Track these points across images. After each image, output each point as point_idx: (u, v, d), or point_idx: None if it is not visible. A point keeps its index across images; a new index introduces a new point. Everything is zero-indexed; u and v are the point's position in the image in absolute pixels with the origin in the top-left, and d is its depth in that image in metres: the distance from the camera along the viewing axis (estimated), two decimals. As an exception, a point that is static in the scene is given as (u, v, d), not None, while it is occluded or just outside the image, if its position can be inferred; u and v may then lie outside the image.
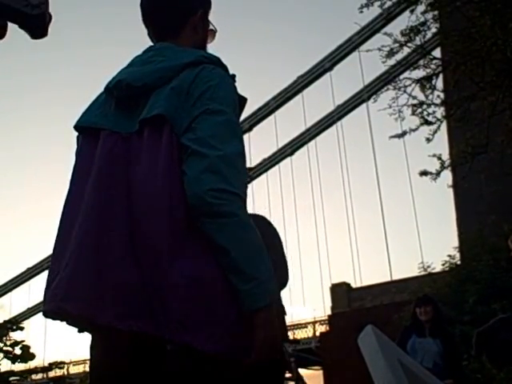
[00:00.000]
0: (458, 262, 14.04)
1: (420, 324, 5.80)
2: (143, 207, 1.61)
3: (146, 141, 1.69)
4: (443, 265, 14.23)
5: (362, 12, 11.41)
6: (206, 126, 1.65)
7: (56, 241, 1.72)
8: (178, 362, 1.51)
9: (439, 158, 11.59)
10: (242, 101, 1.81)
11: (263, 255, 1.59)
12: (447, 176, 13.20)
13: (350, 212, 25.18)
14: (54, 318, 1.67)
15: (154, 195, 1.60)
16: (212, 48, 2.01)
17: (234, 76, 1.81)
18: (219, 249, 1.55)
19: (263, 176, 23.77)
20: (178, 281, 1.51)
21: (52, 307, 1.61)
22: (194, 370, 1.51)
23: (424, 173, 11.77)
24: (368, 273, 36.81)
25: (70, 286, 1.57)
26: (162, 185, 1.61)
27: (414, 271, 20.00)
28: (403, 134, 12.11)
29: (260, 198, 25.08)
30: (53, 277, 1.65)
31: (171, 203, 1.59)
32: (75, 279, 1.57)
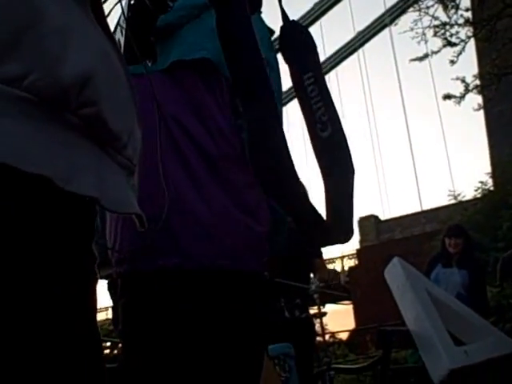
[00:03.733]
0: (491, 188, 13.64)
1: (448, 254, 5.52)
2: None
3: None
4: (475, 191, 13.86)
5: None
6: None
7: None
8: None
9: (463, 81, 11.15)
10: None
11: None
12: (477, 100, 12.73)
13: (375, 141, 24.68)
14: None
15: None
16: None
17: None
18: None
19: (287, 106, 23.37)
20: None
21: None
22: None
23: (448, 96, 11.39)
24: (397, 205, 36.46)
25: None
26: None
27: (444, 201, 19.69)
28: (425, 56, 11.60)
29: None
30: None
31: None
32: None
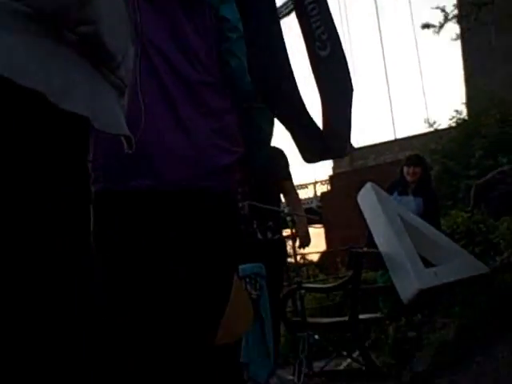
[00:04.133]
0: (466, 118, 13.68)
1: (405, 182, 5.61)
2: None
3: None
4: (450, 120, 13.89)
5: None
6: None
7: None
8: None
9: (443, 10, 11.04)
10: None
11: None
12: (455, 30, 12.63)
13: (352, 68, 24.58)
14: None
15: None
16: None
17: None
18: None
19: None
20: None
21: None
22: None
23: (426, 25, 11.34)
24: (371, 132, 36.65)
25: None
26: None
27: (419, 130, 19.75)
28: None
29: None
30: None
31: None
32: None
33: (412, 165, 5.63)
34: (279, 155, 4.58)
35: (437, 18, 11.26)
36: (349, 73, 1.57)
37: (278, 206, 4.61)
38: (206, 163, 1.58)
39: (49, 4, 0.81)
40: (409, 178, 5.59)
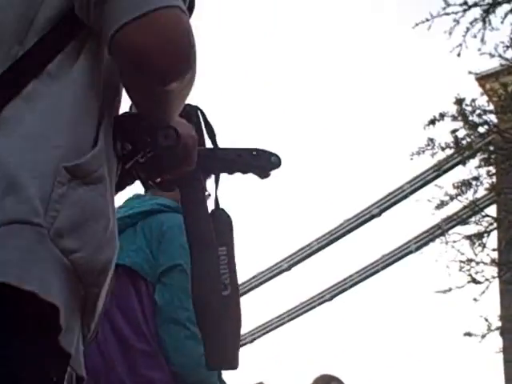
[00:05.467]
0: None
1: None
2: None
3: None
4: None
5: (412, 159, 11.23)
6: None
7: None
8: None
9: (486, 320, 10.94)
10: None
11: None
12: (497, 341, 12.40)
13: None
14: None
15: None
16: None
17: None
18: None
19: (298, 319, 22.92)
20: None
21: None
22: None
23: (468, 334, 11.10)
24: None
25: None
26: None
27: None
28: (449, 289, 11.49)
29: (292, 342, 24.18)
30: None
31: None
32: None
33: None
34: None
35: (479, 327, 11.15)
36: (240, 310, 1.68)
37: None
38: None
39: (83, 266, 1.09)
40: None
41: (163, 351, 1.96)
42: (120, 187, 1.33)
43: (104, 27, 1.12)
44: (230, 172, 1.56)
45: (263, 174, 1.56)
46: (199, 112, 1.54)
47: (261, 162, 1.53)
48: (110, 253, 1.13)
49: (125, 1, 1.12)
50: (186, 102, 1.41)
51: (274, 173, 1.61)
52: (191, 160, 1.36)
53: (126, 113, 1.36)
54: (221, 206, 1.58)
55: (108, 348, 1.98)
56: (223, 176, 1.57)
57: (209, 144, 1.56)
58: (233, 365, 1.58)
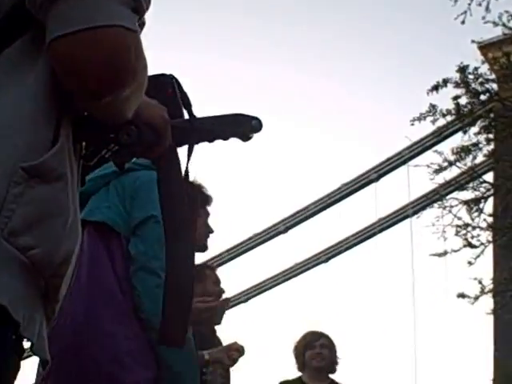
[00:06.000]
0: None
1: None
2: None
3: None
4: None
5: (413, 125, 11.36)
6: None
7: None
8: None
9: (480, 282, 11.17)
10: None
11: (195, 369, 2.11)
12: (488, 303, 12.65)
13: (380, 330, 24.25)
14: None
15: None
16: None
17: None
18: (163, 362, 1.93)
19: (293, 280, 23.13)
20: None
21: None
22: None
23: (462, 295, 11.32)
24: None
25: None
26: None
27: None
28: (444, 253, 11.71)
29: (288, 303, 24.49)
30: None
31: None
32: None
33: None
34: None
35: (473, 289, 11.34)
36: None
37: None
38: None
39: (42, 261, 1.10)
40: None
41: (134, 300, 1.96)
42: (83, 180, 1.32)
43: (46, 29, 1.09)
44: (210, 140, 1.54)
45: (244, 138, 1.53)
46: (174, 81, 1.50)
47: (240, 128, 1.50)
48: (70, 245, 1.16)
49: (70, 11, 1.07)
50: (162, 71, 1.47)
51: (257, 135, 1.56)
52: (164, 140, 1.35)
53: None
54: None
55: (74, 307, 1.99)
56: (206, 145, 1.54)
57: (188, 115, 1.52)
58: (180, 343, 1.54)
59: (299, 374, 4.49)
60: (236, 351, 3.01)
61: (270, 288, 21.82)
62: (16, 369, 1.14)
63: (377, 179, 20.40)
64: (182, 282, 1.44)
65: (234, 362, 3.02)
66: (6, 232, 1.06)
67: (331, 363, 4.39)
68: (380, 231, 20.34)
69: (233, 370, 3.23)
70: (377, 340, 24.40)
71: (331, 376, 4.44)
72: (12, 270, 1.07)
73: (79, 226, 1.20)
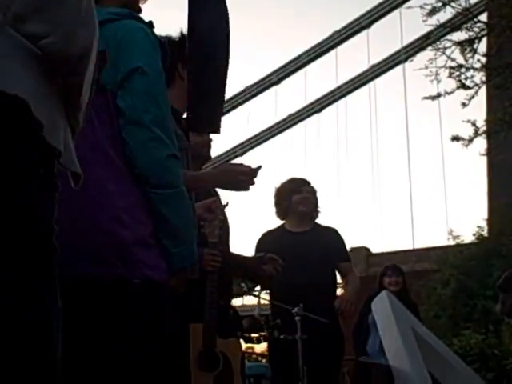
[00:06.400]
0: (487, 235, 13.59)
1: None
2: None
3: None
4: (474, 235, 13.75)
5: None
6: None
7: None
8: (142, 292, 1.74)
9: (473, 124, 11.19)
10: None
11: (193, 222, 1.93)
12: (482, 145, 12.76)
13: (375, 175, 24.63)
14: None
15: None
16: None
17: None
18: (160, 216, 1.81)
19: (288, 131, 23.17)
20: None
21: None
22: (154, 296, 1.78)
23: (456, 138, 11.39)
24: (390, 239, 36.39)
25: None
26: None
27: (436, 242, 19.57)
28: (438, 95, 11.64)
29: (283, 154, 24.70)
30: None
31: None
32: None
33: (394, 274, 5.63)
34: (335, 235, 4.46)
35: (464, 131, 11.41)
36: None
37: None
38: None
39: (58, 52, 0.99)
40: (392, 288, 5.46)
41: (127, 154, 1.84)
42: None
43: None
44: None
45: None
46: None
47: None
48: (87, 34, 1.03)
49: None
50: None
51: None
52: None
53: None
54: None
55: None
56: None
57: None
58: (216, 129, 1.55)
59: (281, 222, 4.50)
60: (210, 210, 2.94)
61: (266, 140, 22.01)
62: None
63: (369, 25, 20.08)
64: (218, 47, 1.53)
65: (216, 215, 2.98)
66: (9, 17, 0.96)
67: (315, 209, 4.44)
68: (372, 78, 20.25)
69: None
70: (373, 190, 24.94)
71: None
72: (24, 61, 0.96)
73: (95, 17, 1.07)
